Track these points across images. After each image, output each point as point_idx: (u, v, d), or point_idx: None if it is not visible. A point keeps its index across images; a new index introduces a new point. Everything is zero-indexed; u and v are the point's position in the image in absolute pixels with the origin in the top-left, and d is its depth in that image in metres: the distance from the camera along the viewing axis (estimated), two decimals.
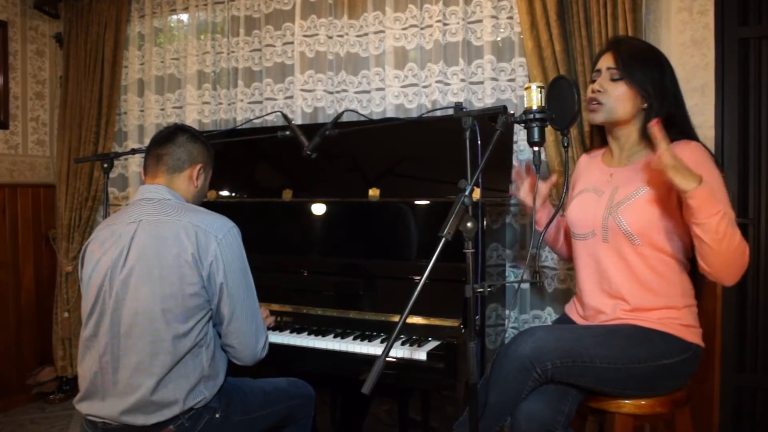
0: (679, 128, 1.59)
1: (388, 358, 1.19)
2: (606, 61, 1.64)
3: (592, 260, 1.66)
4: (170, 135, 1.66)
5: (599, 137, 1.80)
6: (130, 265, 1.49)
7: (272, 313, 2.01)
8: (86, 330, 1.55)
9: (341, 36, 2.74)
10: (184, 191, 1.65)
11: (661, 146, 1.38)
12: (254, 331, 1.57)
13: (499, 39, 2.49)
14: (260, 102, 2.92)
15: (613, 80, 1.61)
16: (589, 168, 1.79)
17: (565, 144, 1.54)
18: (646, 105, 1.60)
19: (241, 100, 2.93)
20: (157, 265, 1.48)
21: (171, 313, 1.47)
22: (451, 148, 1.67)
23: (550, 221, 1.64)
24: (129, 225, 1.54)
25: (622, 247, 1.58)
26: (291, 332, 1.96)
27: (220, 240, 1.51)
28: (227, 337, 1.56)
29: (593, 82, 1.67)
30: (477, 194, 1.67)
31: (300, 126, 2.09)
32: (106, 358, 1.49)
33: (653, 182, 1.55)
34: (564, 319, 1.81)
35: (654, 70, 1.60)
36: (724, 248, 1.38)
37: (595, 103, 1.64)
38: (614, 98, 1.61)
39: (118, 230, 1.55)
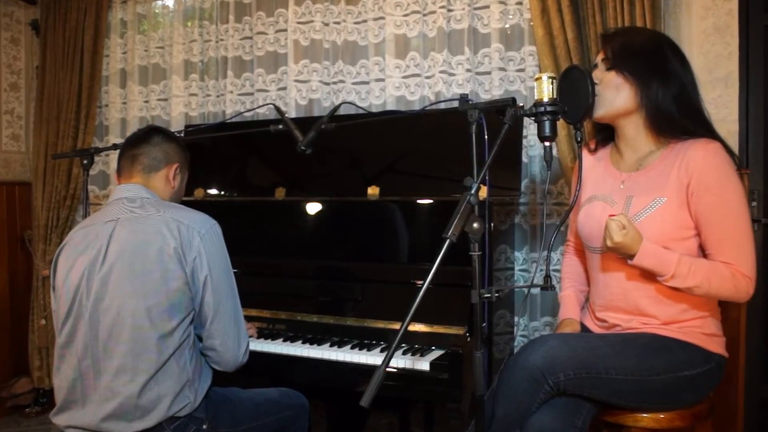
0: (691, 119, 1.57)
1: (388, 369, 1.19)
2: (601, 53, 1.66)
3: (606, 274, 1.66)
4: (145, 135, 1.73)
5: (600, 136, 1.78)
6: (109, 263, 1.51)
7: (264, 320, 2.03)
8: (61, 337, 1.56)
9: (338, 23, 2.74)
10: (161, 191, 1.70)
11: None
12: (236, 333, 1.61)
13: (507, 26, 2.49)
14: (251, 94, 2.92)
15: (607, 70, 1.62)
16: (596, 170, 1.74)
17: (579, 139, 1.54)
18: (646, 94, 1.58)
19: (231, 92, 2.93)
20: (140, 260, 1.50)
21: (156, 310, 1.49)
22: (456, 143, 1.67)
23: (561, 223, 1.66)
24: (106, 224, 1.57)
25: None
26: (284, 341, 1.97)
27: (203, 235, 1.55)
28: (209, 339, 1.59)
29: None
30: (484, 193, 1.67)
31: (294, 119, 2.09)
32: (86, 362, 1.51)
33: (670, 189, 1.54)
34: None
35: (648, 55, 1.59)
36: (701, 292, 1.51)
37: None
38: (610, 89, 1.60)
39: (93, 231, 1.58)
